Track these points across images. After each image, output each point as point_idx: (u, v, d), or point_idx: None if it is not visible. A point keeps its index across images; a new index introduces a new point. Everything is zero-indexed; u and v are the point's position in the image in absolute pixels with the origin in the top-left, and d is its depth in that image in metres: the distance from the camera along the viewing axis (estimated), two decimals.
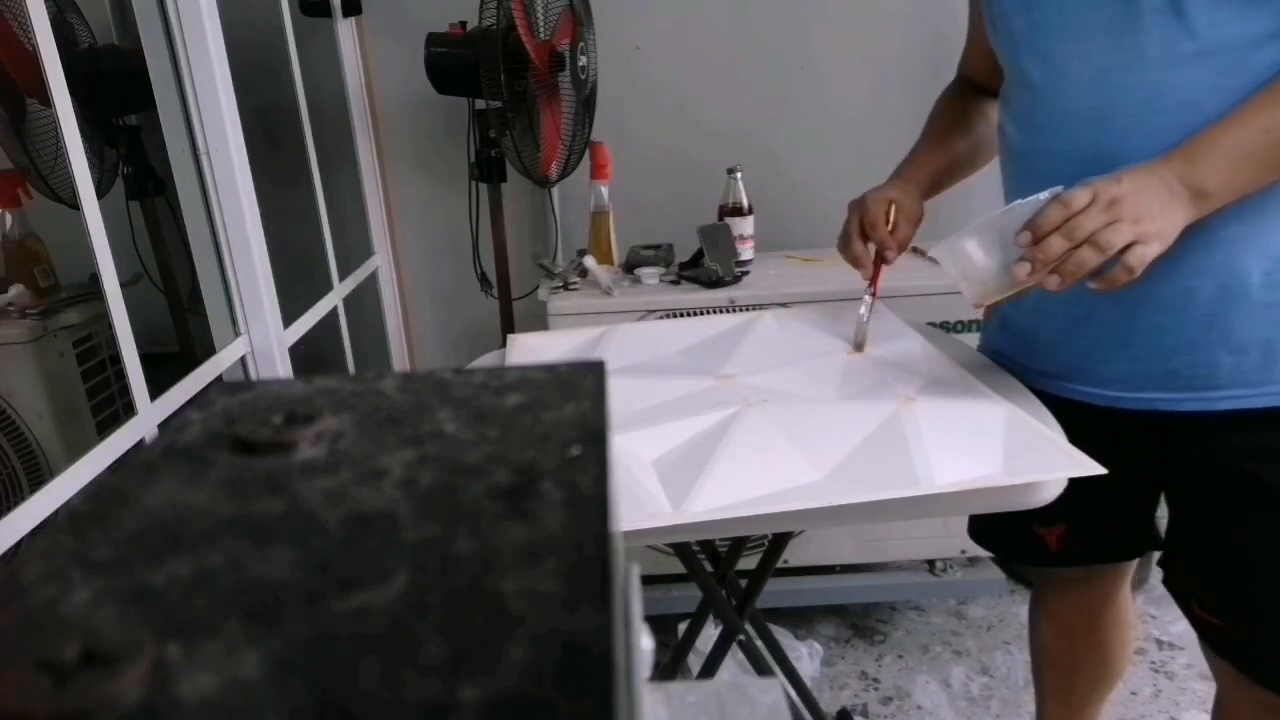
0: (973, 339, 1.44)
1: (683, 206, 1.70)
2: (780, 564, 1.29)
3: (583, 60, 1.55)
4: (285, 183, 1.65)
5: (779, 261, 1.69)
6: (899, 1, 1.76)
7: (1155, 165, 0.75)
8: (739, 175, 1.58)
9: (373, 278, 1.91)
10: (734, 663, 1.34)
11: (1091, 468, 0.76)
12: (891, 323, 1.16)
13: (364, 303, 1.91)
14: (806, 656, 1.62)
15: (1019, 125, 0.93)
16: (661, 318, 1.46)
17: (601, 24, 1.66)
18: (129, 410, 1.06)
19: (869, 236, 1.03)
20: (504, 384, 0.31)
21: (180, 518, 0.24)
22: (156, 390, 1.10)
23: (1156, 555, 1.09)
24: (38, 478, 1.60)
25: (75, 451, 0.98)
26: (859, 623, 1.79)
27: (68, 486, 0.92)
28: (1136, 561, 1.16)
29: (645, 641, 0.28)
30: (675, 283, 1.57)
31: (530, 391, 0.30)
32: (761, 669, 1.19)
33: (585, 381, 0.31)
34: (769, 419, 0.85)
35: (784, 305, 1.40)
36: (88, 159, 0.98)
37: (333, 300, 1.69)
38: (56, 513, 0.88)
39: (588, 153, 1.66)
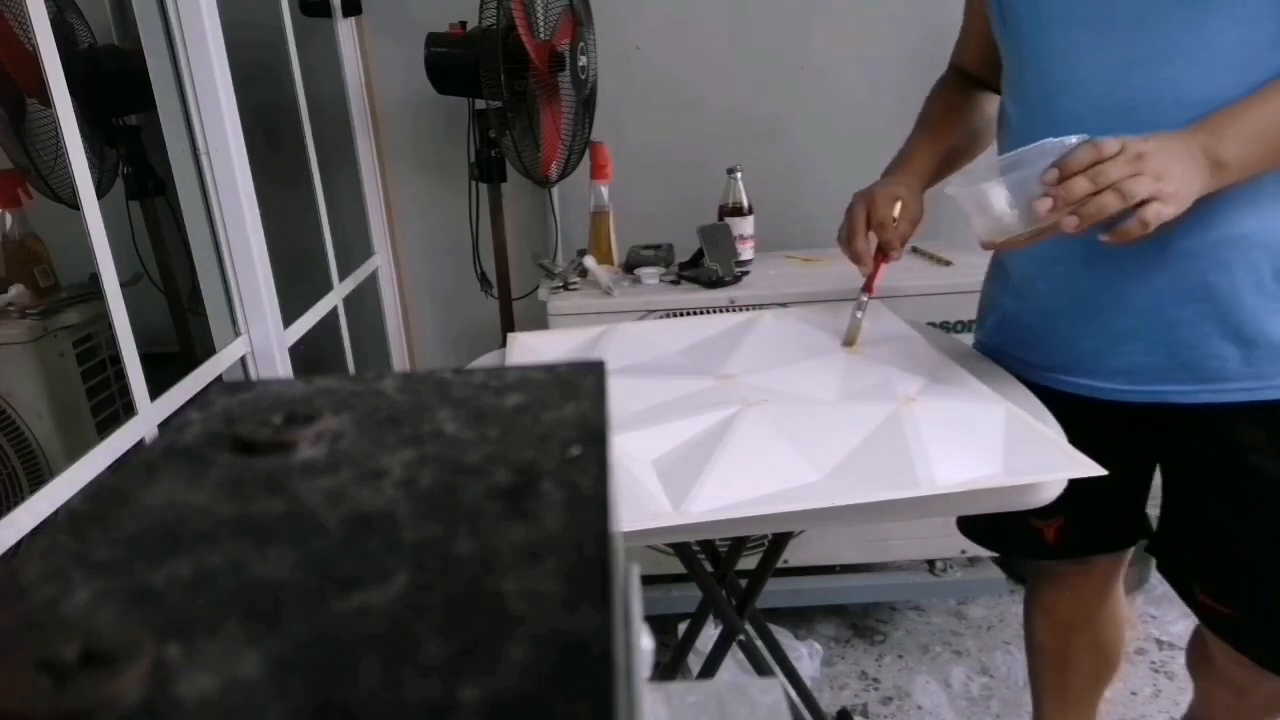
0: (972, 339, 1.44)
1: (683, 206, 1.70)
2: (780, 564, 1.29)
3: (583, 60, 1.55)
4: (285, 183, 1.65)
5: (779, 261, 1.69)
6: (899, 2, 1.76)
7: (1180, 133, 0.76)
8: (739, 175, 1.58)
9: (373, 278, 1.91)
10: (734, 663, 1.34)
11: (1091, 468, 0.76)
12: (891, 323, 1.16)
13: (364, 303, 1.91)
14: (806, 656, 1.62)
15: (1037, 116, 0.92)
16: (661, 318, 1.46)
17: (601, 24, 1.66)
18: (129, 410, 1.06)
19: (874, 233, 1.03)
20: (504, 384, 0.31)
21: (180, 518, 0.24)
22: (156, 390, 1.10)
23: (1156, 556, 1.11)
24: (38, 478, 1.60)
25: (75, 451, 0.98)
26: (859, 623, 1.79)
27: (68, 486, 0.92)
28: (1130, 554, 1.17)
29: (645, 641, 0.28)
30: (675, 283, 1.57)
31: (530, 391, 0.30)
32: (761, 669, 1.19)
33: (585, 381, 0.31)
34: (769, 419, 0.85)
35: (784, 305, 1.40)
36: (88, 159, 0.98)
37: (333, 300, 1.69)
38: (56, 513, 0.88)
39: (588, 153, 1.66)
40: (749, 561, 1.30)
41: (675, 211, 1.74)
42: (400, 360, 2.01)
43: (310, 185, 1.66)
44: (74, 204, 0.98)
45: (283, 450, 0.27)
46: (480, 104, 1.60)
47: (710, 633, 1.40)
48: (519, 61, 1.46)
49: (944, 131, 1.13)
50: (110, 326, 1.03)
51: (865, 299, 1.08)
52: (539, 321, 1.54)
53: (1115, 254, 0.83)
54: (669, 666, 1.37)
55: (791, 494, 0.76)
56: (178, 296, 1.77)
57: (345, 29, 1.74)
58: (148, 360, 1.07)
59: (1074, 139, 0.78)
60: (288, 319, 1.45)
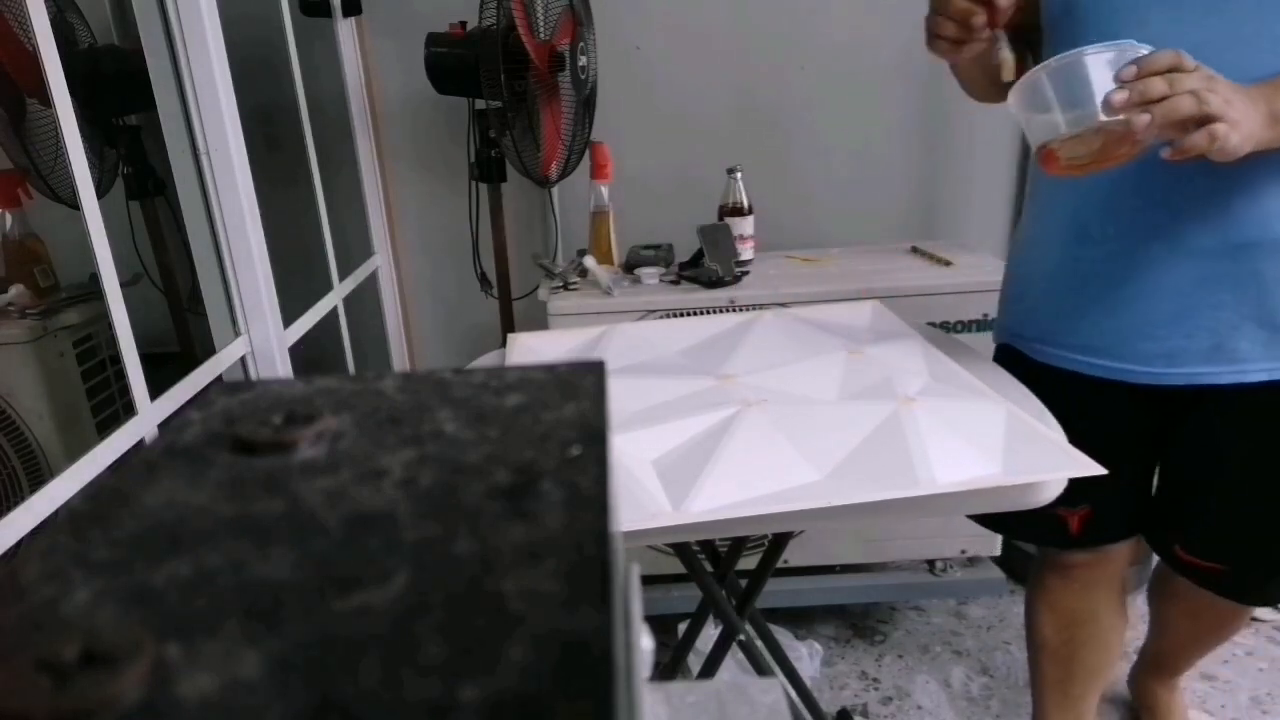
0: (973, 339, 1.44)
1: (683, 206, 1.70)
2: (780, 564, 1.29)
3: (583, 60, 1.55)
4: (285, 183, 1.65)
5: (779, 261, 1.69)
6: (899, 2, 1.76)
7: (1247, 87, 0.78)
8: (739, 175, 1.58)
9: (373, 278, 1.91)
10: (734, 663, 1.34)
11: (1091, 468, 0.76)
12: (891, 323, 1.16)
13: (364, 303, 1.91)
14: (806, 656, 1.62)
15: None
16: (661, 318, 1.46)
17: (601, 24, 1.66)
18: (129, 410, 1.06)
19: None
20: (504, 384, 0.31)
21: (180, 518, 0.24)
22: (156, 390, 1.10)
23: (1156, 559, 1.13)
24: (38, 478, 1.60)
25: (75, 451, 0.98)
26: (859, 623, 1.79)
27: (68, 486, 0.92)
28: (1134, 548, 1.19)
29: (645, 641, 0.28)
30: (675, 283, 1.57)
31: (530, 391, 0.30)
32: (761, 669, 1.19)
33: (585, 381, 0.31)
34: (769, 419, 0.85)
35: (784, 305, 1.40)
36: (88, 159, 0.98)
37: (333, 300, 1.69)
38: (56, 513, 0.88)
39: (588, 153, 1.66)
40: (749, 561, 1.29)
41: (675, 211, 1.74)
42: (400, 360, 2.01)
43: (310, 185, 1.66)
44: (74, 204, 0.98)
45: (283, 450, 0.27)
46: (480, 104, 1.60)
47: (710, 633, 1.40)
48: (519, 61, 1.46)
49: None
50: (110, 326, 1.03)
51: (1000, 35, 0.89)
52: (539, 321, 1.54)
53: (1166, 238, 0.88)
54: (669, 666, 1.37)
55: (791, 494, 0.76)
56: (178, 296, 1.77)
57: (345, 29, 1.74)
58: (148, 360, 1.07)
59: (1129, 43, 0.77)
60: (288, 319, 1.45)
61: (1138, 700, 1.48)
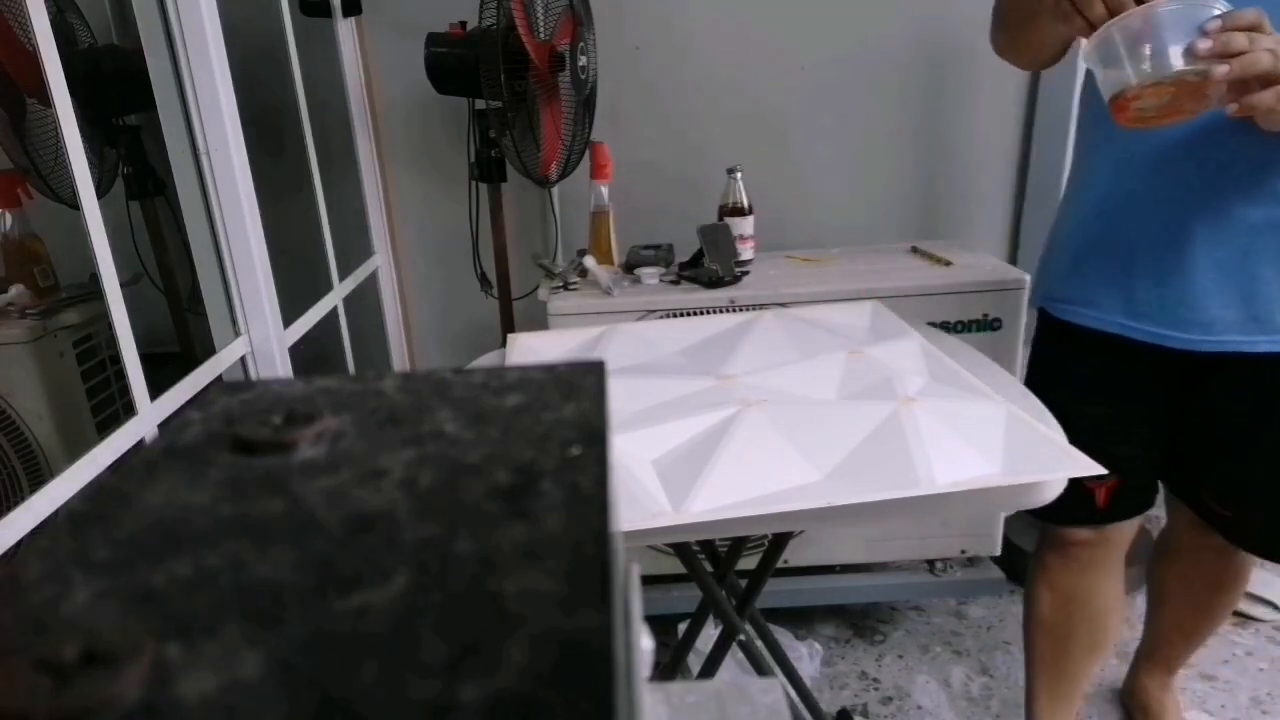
0: (973, 339, 1.45)
1: (683, 206, 1.70)
2: (780, 564, 1.29)
3: (583, 60, 1.55)
4: (285, 183, 1.65)
5: (779, 261, 1.69)
6: (899, 3, 1.76)
7: None
8: (739, 175, 1.58)
9: (373, 278, 1.91)
10: (734, 663, 1.34)
11: (1091, 468, 0.76)
12: (891, 323, 1.16)
13: (364, 303, 1.91)
14: (806, 656, 1.62)
15: None
16: (661, 318, 1.46)
17: (601, 24, 1.66)
18: (129, 410, 1.06)
19: None
20: (504, 384, 0.31)
21: (180, 518, 0.24)
22: (156, 390, 1.10)
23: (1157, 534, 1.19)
24: (38, 478, 1.60)
25: (75, 451, 0.98)
26: (859, 623, 1.79)
27: (68, 486, 0.92)
28: (1134, 536, 1.24)
29: (645, 641, 0.28)
30: (675, 283, 1.56)
31: (530, 391, 0.30)
32: (761, 669, 1.19)
33: (585, 381, 0.31)
34: (769, 419, 0.85)
35: (784, 305, 1.40)
36: (88, 159, 0.98)
37: (333, 300, 1.69)
38: (56, 513, 0.88)
39: (588, 153, 1.66)
40: (749, 561, 1.29)
41: (675, 211, 1.74)
42: (400, 360, 2.01)
43: (310, 185, 1.66)
44: (74, 204, 0.98)
45: (283, 450, 0.27)
46: (480, 104, 1.60)
47: (710, 633, 1.40)
48: (519, 61, 1.46)
49: None
50: (110, 326, 1.03)
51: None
52: (539, 321, 1.54)
53: (1210, 210, 0.91)
54: (669, 666, 1.37)
55: (791, 494, 0.76)
56: (178, 296, 1.77)
57: (345, 29, 1.74)
58: (148, 360, 1.07)
59: (1219, 5, 0.79)
60: (288, 319, 1.45)
61: (1134, 703, 1.48)
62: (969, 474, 0.77)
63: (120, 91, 1.55)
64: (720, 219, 1.60)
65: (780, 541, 1.19)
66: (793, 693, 1.30)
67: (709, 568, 1.28)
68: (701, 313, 1.41)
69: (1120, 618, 1.30)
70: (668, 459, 0.81)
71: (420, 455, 0.26)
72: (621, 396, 0.93)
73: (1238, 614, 1.73)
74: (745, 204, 1.59)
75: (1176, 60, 0.79)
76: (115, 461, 1.00)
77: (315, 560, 0.21)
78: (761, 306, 1.39)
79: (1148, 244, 1.03)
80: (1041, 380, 1.17)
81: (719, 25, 1.79)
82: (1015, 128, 1.83)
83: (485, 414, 0.29)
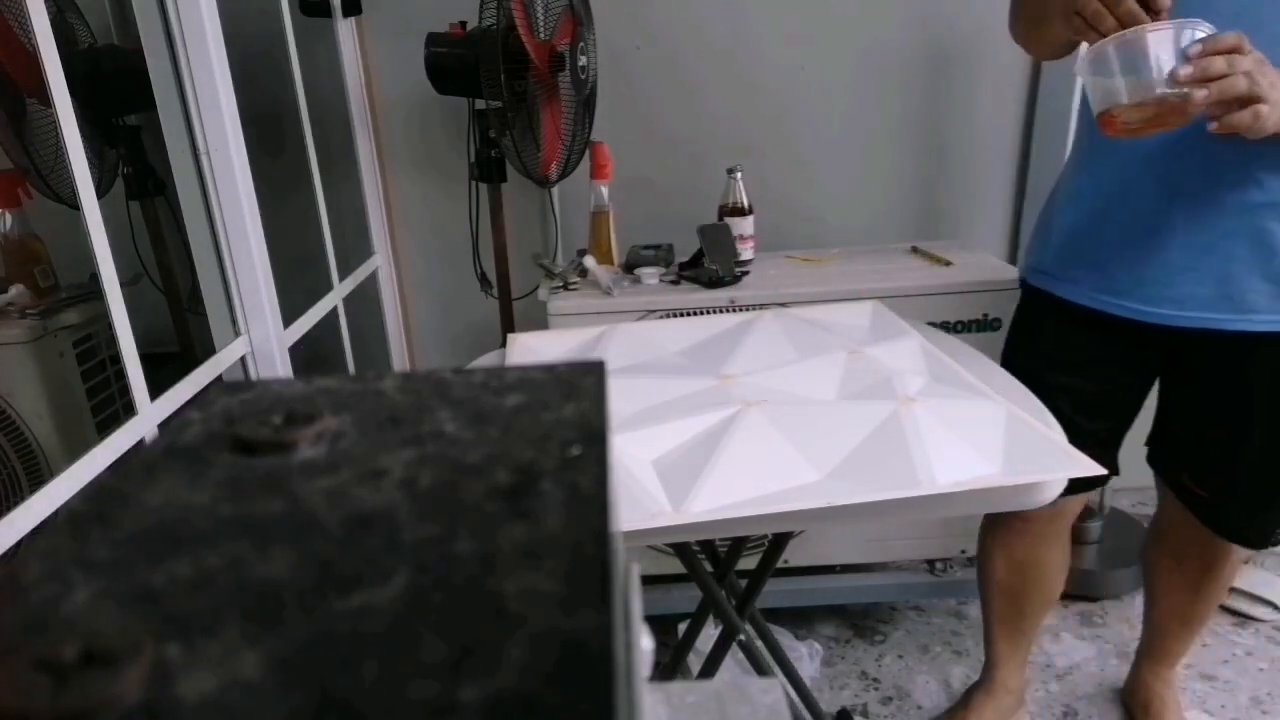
0: (973, 339, 1.45)
1: (683, 206, 1.70)
2: (780, 564, 1.29)
3: (583, 60, 1.55)
4: (285, 183, 1.65)
5: (779, 261, 1.69)
6: (898, 2, 1.76)
7: None
8: (739, 175, 1.58)
9: (373, 278, 1.91)
10: (734, 663, 1.34)
11: (1091, 468, 0.76)
12: (891, 323, 1.16)
13: (364, 303, 1.91)
14: (806, 656, 1.62)
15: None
16: (661, 318, 1.46)
17: (601, 24, 1.66)
18: (129, 410, 1.06)
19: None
20: (504, 384, 0.31)
21: (180, 518, 0.24)
22: (156, 390, 1.10)
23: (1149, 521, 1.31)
24: (38, 478, 1.60)
25: (75, 451, 0.98)
26: (859, 623, 1.79)
27: (68, 486, 0.92)
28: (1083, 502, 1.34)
29: (645, 641, 0.28)
30: (675, 283, 1.56)
31: (530, 391, 0.30)
32: (761, 669, 1.19)
33: (585, 381, 0.31)
34: (769, 419, 0.85)
35: (784, 305, 1.40)
36: (88, 159, 0.98)
37: (333, 300, 1.69)
38: (56, 513, 0.88)
39: (588, 153, 1.66)
40: (749, 561, 1.29)
41: (675, 211, 1.74)
42: (400, 360, 2.01)
43: (310, 185, 1.66)
44: (74, 204, 0.98)
45: (283, 450, 0.27)
46: (480, 104, 1.60)
47: (710, 633, 1.40)
48: (519, 61, 1.46)
49: None
50: (110, 326, 1.03)
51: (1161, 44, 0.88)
52: (539, 321, 1.54)
53: (1193, 196, 0.96)
54: (669, 666, 1.37)
55: (791, 494, 0.76)
56: (178, 296, 1.77)
57: (345, 29, 1.74)
58: (148, 360, 1.07)
59: (1204, 25, 0.83)
60: (288, 319, 1.45)
61: (1134, 702, 1.48)
62: (969, 474, 0.77)
63: (120, 91, 1.55)
64: (720, 219, 1.60)
65: (780, 541, 1.19)
66: (793, 693, 1.30)
67: (709, 568, 1.28)
68: (701, 313, 1.41)
69: (1066, 572, 1.39)
70: (668, 459, 0.81)
71: (420, 455, 0.26)
72: (621, 396, 0.93)
73: (1238, 614, 1.74)
74: (745, 204, 1.59)
75: (1160, 83, 0.84)
76: (115, 461, 1.00)
77: (315, 560, 0.21)
78: (761, 306, 1.39)
79: (1131, 226, 1.07)
80: (1017, 348, 1.26)
81: (719, 25, 1.79)
82: (1015, 128, 1.83)
83: (485, 414, 0.29)
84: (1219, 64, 0.81)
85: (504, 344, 1.20)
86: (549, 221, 1.89)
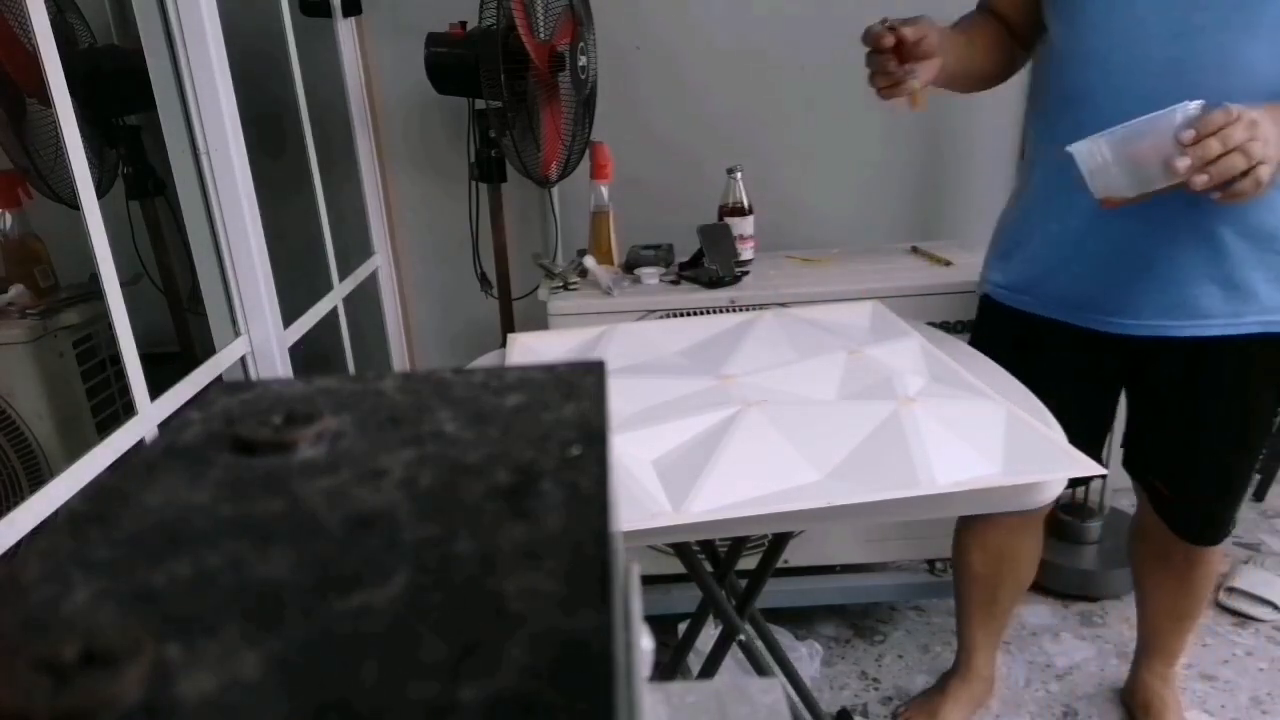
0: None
1: (683, 206, 1.70)
2: (780, 564, 1.29)
3: (583, 60, 1.55)
4: (285, 183, 1.65)
5: (779, 261, 1.69)
6: (899, 2, 1.76)
7: (1268, 107, 0.85)
8: (739, 175, 1.58)
9: (373, 278, 1.91)
10: (734, 663, 1.34)
11: (1091, 468, 0.76)
12: (891, 323, 1.16)
13: (364, 303, 1.91)
14: (806, 656, 1.62)
15: (1089, 66, 1.03)
16: (661, 318, 1.46)
17: (601, 24, 1.66)
18: (129, 410, 1.06)
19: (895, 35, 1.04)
20: (504, 384, 0.31)
21: (180, 518, 0.24)
22: (156, 390, 1.10)
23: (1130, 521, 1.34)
24: (38, 478, 1.60)
25: (75, 451, 0.98)
26: (859, 623, 1.79)
27: (68, 486, 0.92)
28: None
29: (645, 641, 0.28)
30: (675, 283, 1.56)
31: (530, 391, 0.30)
32: (761, 669, 1.19)
33: (585, 381, 0.31)
34: (769, 419, 0.85)
35: (784, 305, 1.40)
36: (88, 159, 0.98)
37: (333, 300, 1.69)
38: (56, 513, 0.88)
39: (588, 153, 1.66)
40: (749, 561, 1.29)
41: (675, 211, 1.73)
42: (400, 360, 2.01)
43: (310, 185, 1.66)
44: (74, 204, 0.98)
45: (283, 450, 0.27)
46: (480, 104, 1.60)
47: (710, 633, 1.40)
48: (519, 61, 1.46)
49: (965, 33, 1.17)
50: (110, 326, 1.03)
51: (909, 67, 1.03)
52: (539, 321, 1.54)
53: (1146, 208, 0.95)
54: (669, 666, 1.37)
55: (791, 494, 0.76)
56: (178, 296, 1.77)
57: (345, 29, 1.74)
58: (148, 360, 1.07)
59: (1190, 108, 0.84)
60: (288, 319, 1.45)
61: (1135, 702, 1.48)
62: (969, 474, 0.77)
63: (120, 91, 1.55)
64: (720, 219, 1.59)
65: (780, 541, 1.19)
66: (793, 693, 1.30)
67: (709, 568, 1.28)
68: (701, 313, 1.41)
69: (1038, 560, 1.44)
70: (668, 459, 0.81)
71: (420, 455, 0.26)
72: (621, 396, 0.93)
73: (1238, 614, 1.74)
74: (745, 204, 1.59)
75: (1159, 177, 0.85)
76: (115, 461, 1.00)
77: (315, 560, 0.21)
78: (761, 306, 1.39)
79: (1087, 241, 1.09)
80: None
81: (719, 25, 1.79)
82: (1015, 128, 1.83)
83: (485, 414, 0.29)
84: (1214, 147, 0.81)
85: (504, 344, 1.20)
86: (549, 221, 1.89)
